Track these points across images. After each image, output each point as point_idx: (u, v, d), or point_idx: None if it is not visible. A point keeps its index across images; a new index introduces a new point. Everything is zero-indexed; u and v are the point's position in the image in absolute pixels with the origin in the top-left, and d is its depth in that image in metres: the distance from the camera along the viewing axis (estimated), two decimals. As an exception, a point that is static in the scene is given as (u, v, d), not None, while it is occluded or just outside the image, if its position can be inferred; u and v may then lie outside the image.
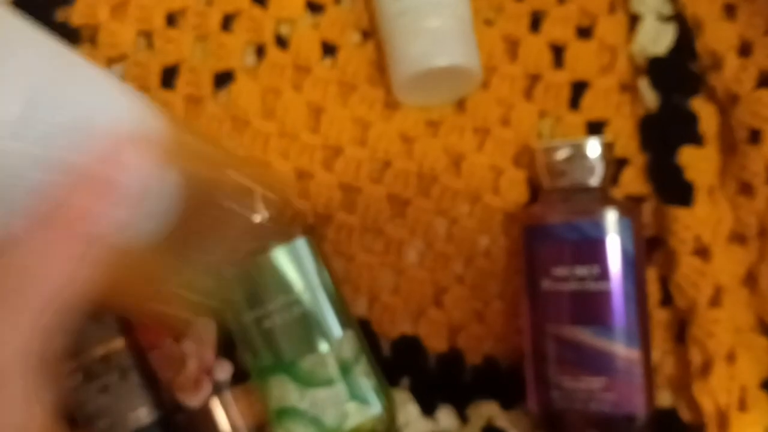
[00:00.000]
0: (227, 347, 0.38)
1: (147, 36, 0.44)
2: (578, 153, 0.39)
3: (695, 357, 0.38)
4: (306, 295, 0.37)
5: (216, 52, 0.43)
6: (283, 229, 0.38)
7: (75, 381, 0.39)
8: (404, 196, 0.42)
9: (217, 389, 0.38)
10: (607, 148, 0.39)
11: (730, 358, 0.37)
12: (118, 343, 0.39)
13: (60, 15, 0.43)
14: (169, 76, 0.43)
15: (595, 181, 0.39)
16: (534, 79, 0.43)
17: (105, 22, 0.43)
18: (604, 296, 0.37)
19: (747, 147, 0.39)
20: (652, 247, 0.41)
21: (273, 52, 0.43)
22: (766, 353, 0.39)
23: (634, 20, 0.42)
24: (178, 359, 0.37)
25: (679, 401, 0.39)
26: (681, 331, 0.40)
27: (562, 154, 0.39)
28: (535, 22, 0.44)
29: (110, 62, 0.44)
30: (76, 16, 0.43)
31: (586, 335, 0.38)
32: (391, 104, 0.43)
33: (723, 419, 0.37)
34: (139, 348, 0.39)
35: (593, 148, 0.38)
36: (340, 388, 0.37)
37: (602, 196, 0.39)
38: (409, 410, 0.41)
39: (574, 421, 0.38)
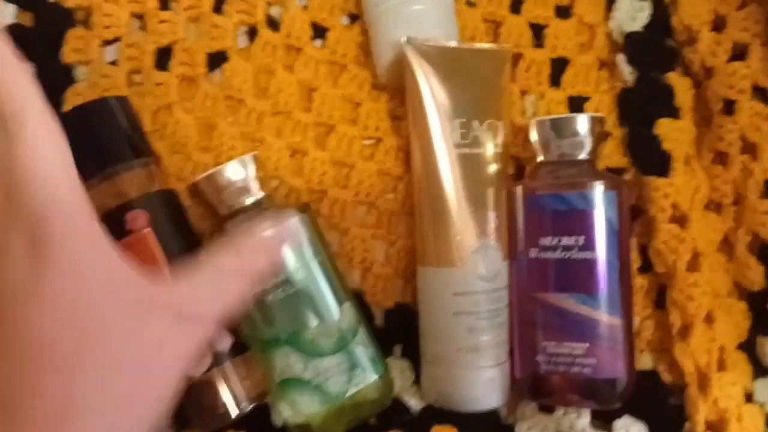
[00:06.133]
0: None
1: (140, 18, 0.39)
2: (568, 127, 0.35)
3: (675, 320, 0.35)
4: (304, 271, 0.34)
5: (209, 33, 0.39)
6: (278, 209, 0.34)
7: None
8: (395, 172, 0.39)
9: (218, 360, 0.33)
10: (597, 122, 0.35)
11: (709, 320, 0.35)
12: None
13: (53, -3, 0.39)
14: (163, 57, 0.39)
15: (583, 154, 0.35)
16: (515, 58, 0.39)
17: (98, 4, 0.38)
18: (589, 265, 0.34)
19: (722, 118, 0.36)
20: (631, 217, 0.37)
21: (265, 33, 0.39)
22: (743, 317, 0.36)
23: (611, -1, 0.39)
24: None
25: (660, 364, 0.36)
26: (660, 297, 0.37)
27: (552, 128, 0.35)
28: (515, 2, 0.40)
29: (105, 44, 0.39)
30: (69, -2, 0.39)
31: (570, 303, 0.34)
32: (379, 85, 0.39)
33: (703, 379, 0.34)
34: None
35: (583, 122, 0.35)
36: (341, 358, 0.34)
37: (590, 170, 0.35)
38: (406, 376, 0.37)
39: (557, 385, 0.35)
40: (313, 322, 0.34)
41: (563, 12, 0.39)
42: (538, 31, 0.39)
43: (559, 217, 0.35)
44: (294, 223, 0.34)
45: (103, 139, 0.35)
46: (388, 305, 0.38)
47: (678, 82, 0.37)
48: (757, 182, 0.35)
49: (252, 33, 0.39)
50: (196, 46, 0.39)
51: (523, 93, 0.39)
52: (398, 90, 0.39)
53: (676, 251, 0.35)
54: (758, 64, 0.35)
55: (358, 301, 0.37)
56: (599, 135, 0.36)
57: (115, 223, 0.34)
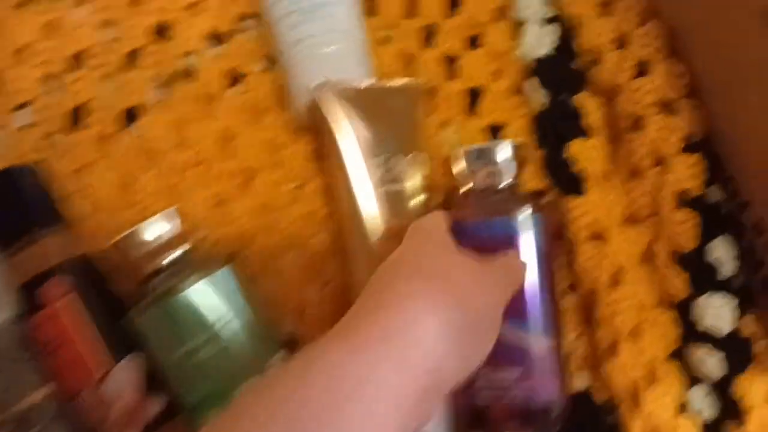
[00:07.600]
0: (156, 384, 0.33)
1: (52, 79, 0.38)
2: (490, 156, 0.35)
3: (603, 338, 0.34)
4: (233, 324, 0.32)
5: (123, 89, 0.38)
6: (205, 261, 0.33)
7: (5, 432, 0.33)
8: (322, 213, 0.38)
9: (148, 428, 0.32)
10: (517, 149, 0.35)
11: (636, 334, 0.34)
12: (40, 394, 0.33)
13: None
14: (78, 117, 0.38)
15: (506, 181, 0.35)
16: (431, 90, 0.39)
17: (7, 69, 0.37)
18: (519, 290, 0.34)
19: (631, 134, 0.36)
20: (558, 236, 0.37)
21: (180, 84, 0.38)
22: (672, 325, 0.36)
23: (518, 26, 0.39)
24: (102, 403, 0.31)
25: (595, 381, 0.36)
26: (590, 314, 0.36)
27: (474, 158, 0.35)
28: (427, 36, 0.40)
29: (17, 108, 0.37)
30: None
31: (503, 328, 0.34)
32: (300, 127, 0.39)
33: (635, 394, 0.34)
34: (62, 397, 0.33)
35: (504, 150, 0.34)
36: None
37: (514, 195, 0.35)
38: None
39: (494, 415, 0.34)
40: (246, 375, 0.32)
41: (474, 43, 0.39)
42: (450, 62, 0.39)
43: (487, 243, 0.34)
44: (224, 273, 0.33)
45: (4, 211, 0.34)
46: (326, 346, 0.37)
47: (587, 103, 0.37)
48: (670, 194, 0.35)
49: (167, 84, 0.39)
50: (111, 102, 0.38)
51: (443, 124, 0.39)
52: (320, 131, 0.38)
53: (598, 268, 0.34)
54: (661, 79, 0.35)
55: (295, 344, 0.36)
56: (521, 161, 0.35)
57: (31, 293, 0.33)
